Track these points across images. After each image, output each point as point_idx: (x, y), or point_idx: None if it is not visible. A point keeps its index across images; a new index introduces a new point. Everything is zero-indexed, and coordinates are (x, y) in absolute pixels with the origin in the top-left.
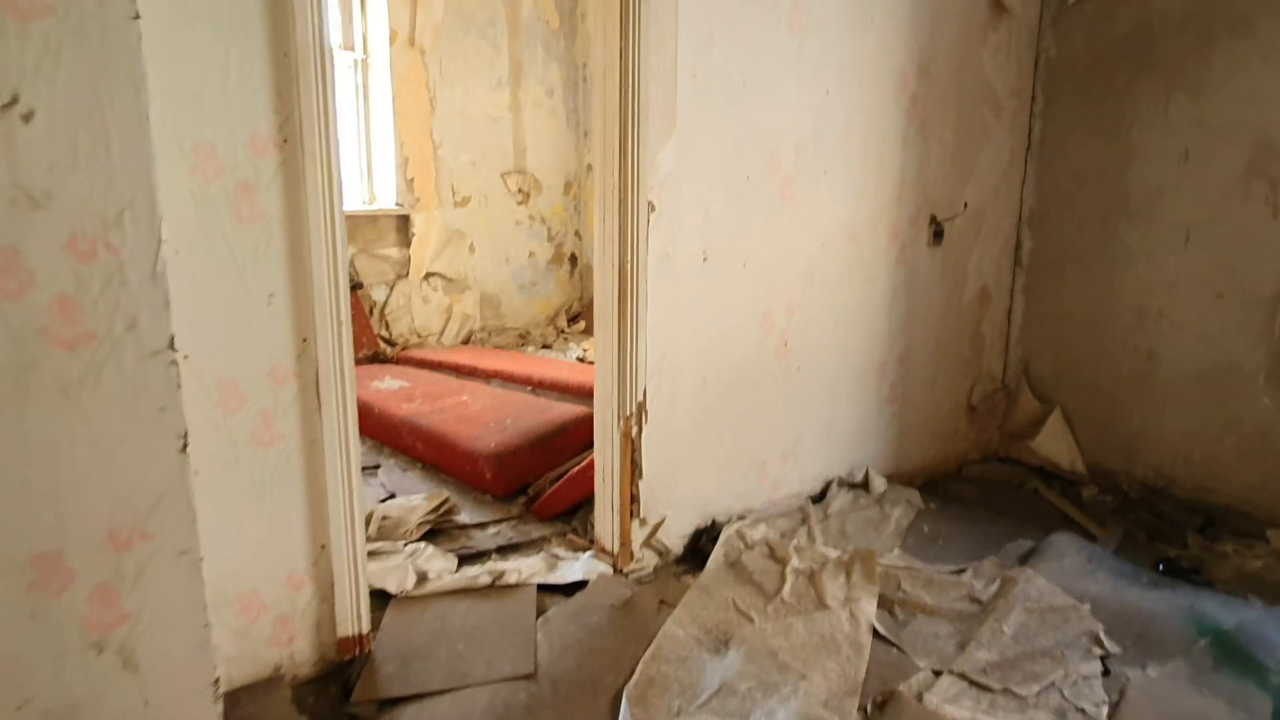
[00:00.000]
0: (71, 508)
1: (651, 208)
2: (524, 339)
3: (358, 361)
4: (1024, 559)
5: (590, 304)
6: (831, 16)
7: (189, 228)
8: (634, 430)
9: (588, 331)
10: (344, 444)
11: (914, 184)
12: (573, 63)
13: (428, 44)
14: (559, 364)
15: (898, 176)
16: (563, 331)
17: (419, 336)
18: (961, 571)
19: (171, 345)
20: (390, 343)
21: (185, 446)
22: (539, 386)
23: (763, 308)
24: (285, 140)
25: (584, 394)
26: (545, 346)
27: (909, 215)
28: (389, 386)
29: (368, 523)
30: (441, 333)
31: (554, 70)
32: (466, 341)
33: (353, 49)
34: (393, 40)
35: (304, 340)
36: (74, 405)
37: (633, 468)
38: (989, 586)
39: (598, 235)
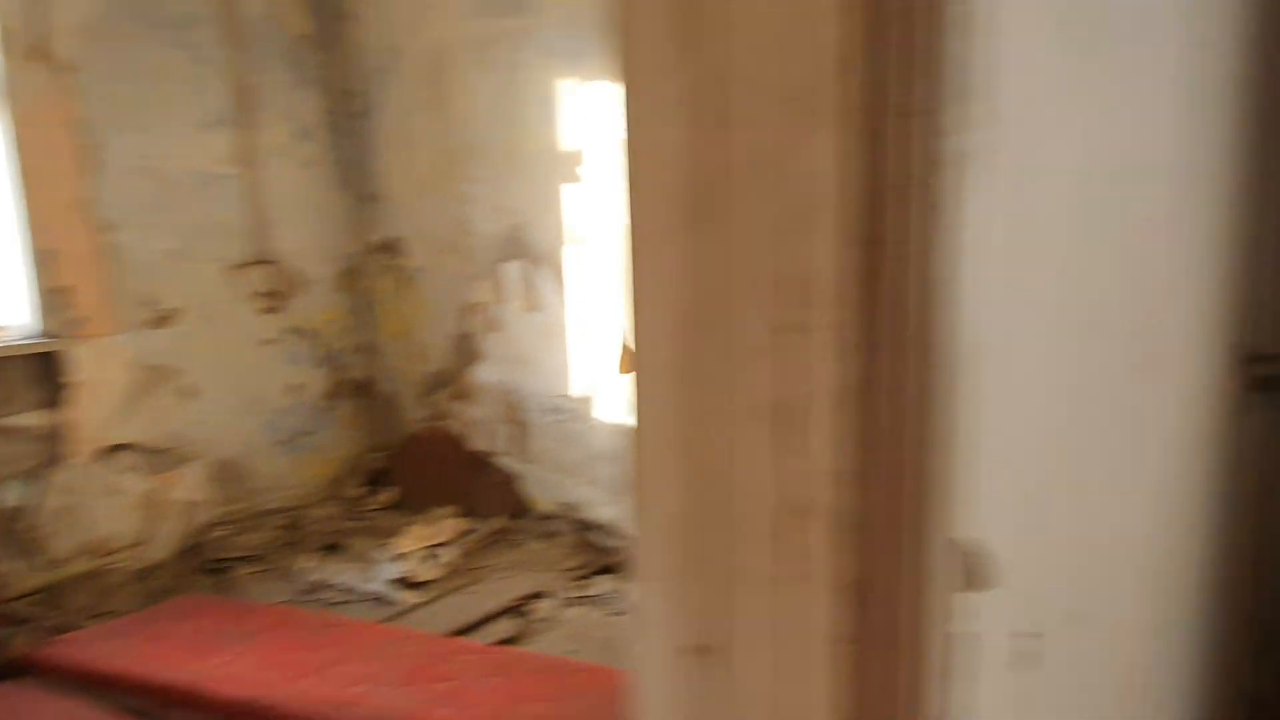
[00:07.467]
0: None
1: None
2: (294, 532)
3: None
4: None
5: (400, 452)
6: None
7: None
8: None
9: (404, 507)
10: None
11: None
12: (341, 88)
13: (75, 55)
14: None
15: None
16: (361, 509)
17: (102, 556)
18: None
19: None
20: (35, 621)
21: None
22: None
23: None
24: None
25: None
26: (333, 546)
27: None
28: None
29: None
30: (143, 543)
31: (309, 100)
32: (195, 550)
33: None
34: (6, 48)
35: None
36: None
37: None
38: None
39: None
